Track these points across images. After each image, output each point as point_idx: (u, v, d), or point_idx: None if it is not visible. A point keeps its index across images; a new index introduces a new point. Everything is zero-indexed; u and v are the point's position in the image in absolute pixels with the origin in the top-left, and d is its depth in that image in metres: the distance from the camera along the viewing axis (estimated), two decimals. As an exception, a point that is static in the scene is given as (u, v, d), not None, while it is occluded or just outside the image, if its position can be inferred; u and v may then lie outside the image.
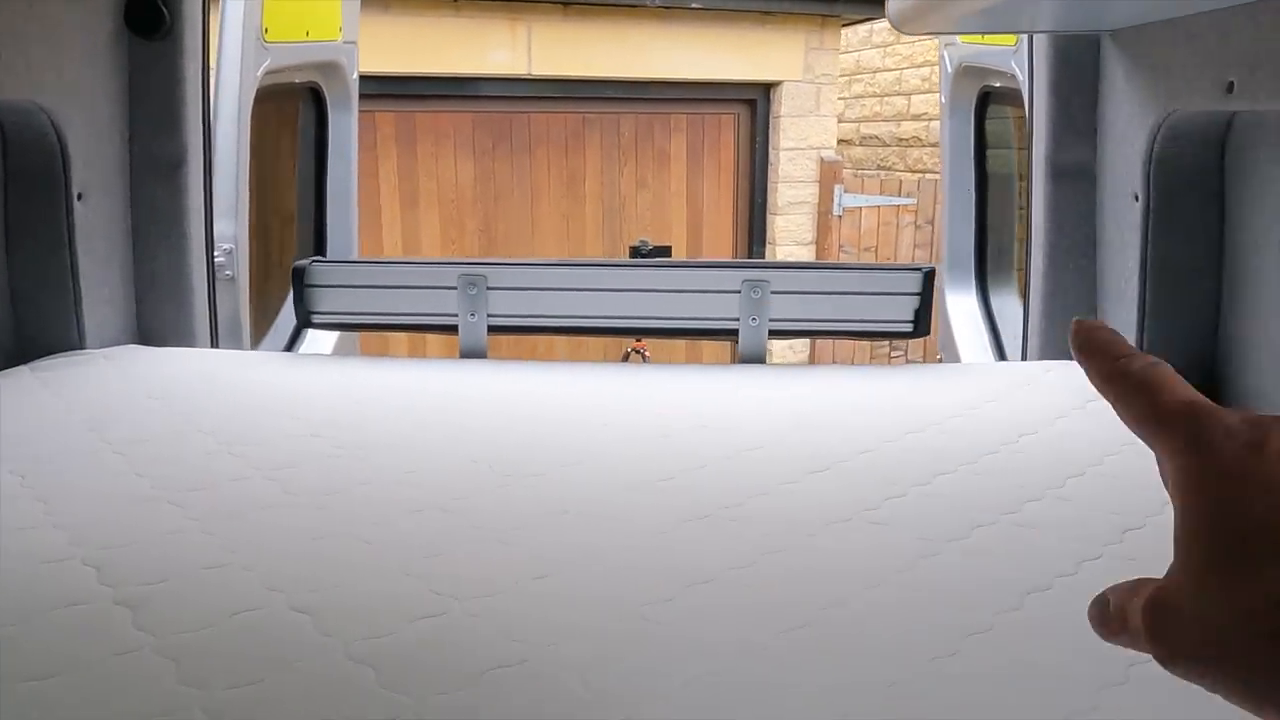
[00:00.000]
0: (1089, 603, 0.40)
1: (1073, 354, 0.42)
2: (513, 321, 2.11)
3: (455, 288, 2.06)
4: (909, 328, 2.07)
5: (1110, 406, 0.40)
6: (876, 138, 7.81)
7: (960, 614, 1.03)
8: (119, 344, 2.07)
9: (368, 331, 2.71)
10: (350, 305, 2.16)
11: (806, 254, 6.73)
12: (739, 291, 2.04)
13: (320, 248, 3.18)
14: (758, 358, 2.06)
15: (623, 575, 1.13)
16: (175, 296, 2.16)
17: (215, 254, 2.27)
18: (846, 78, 7.84)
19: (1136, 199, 1.84)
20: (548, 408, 1.77)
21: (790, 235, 6.71)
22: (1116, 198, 1.94)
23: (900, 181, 7.02)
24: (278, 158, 3.08)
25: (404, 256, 5.71)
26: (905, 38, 6.59)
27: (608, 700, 0.89)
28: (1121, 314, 1.94)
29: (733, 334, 2.08)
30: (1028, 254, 2.16)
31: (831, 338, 5.00)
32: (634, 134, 6.45)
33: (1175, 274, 1.84)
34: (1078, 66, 2.00)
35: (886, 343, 6.50)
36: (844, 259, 6.66)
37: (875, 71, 7.83)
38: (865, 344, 6.55)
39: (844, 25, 6.95)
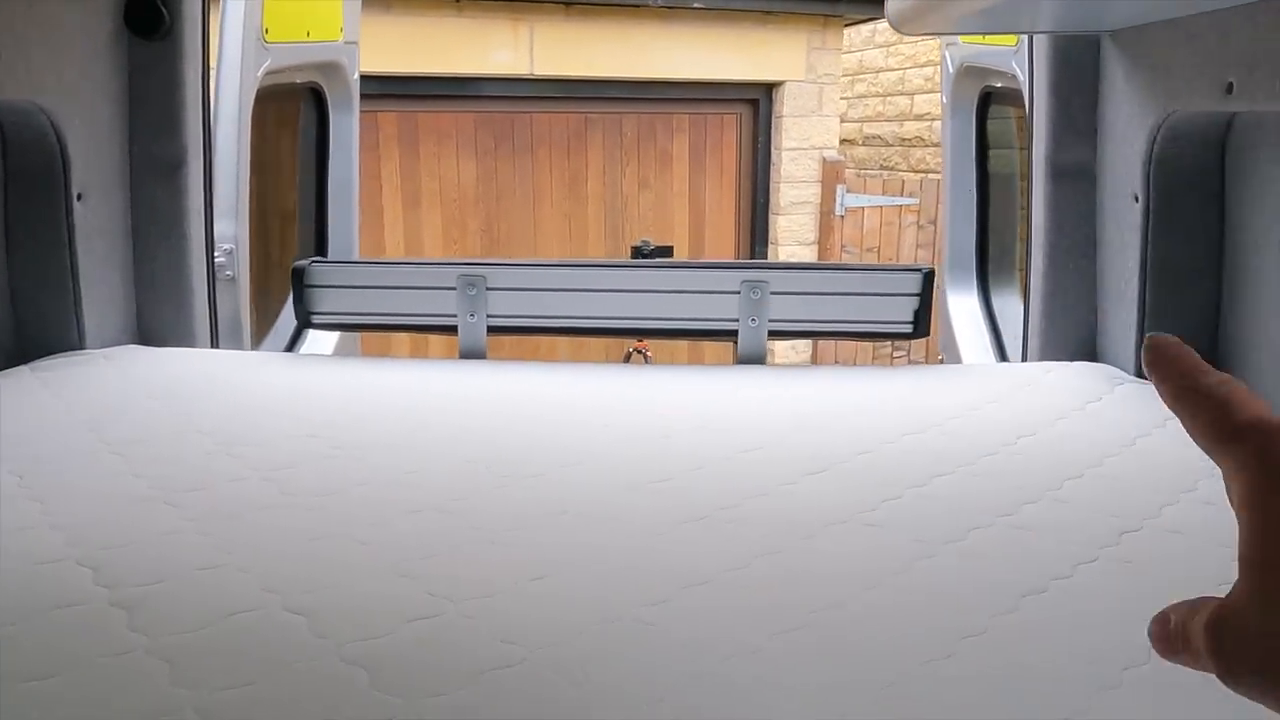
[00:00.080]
0: (1150, 621, 0.39)
1: (1144, 369, 0.41)
2: (512, 322, 2.11)
3: (455, 288, 2.06)
4: (908, 329, 2.07)
5: (1178, 422, 0.40)
6: (879, 137, 7.81)
7: (956, 616, 1.03)
8: (119, 344, 2.08)
9: (367, 332, 2.71)
10: (349, 306, 2.16)
11: (809, 254, 6.73)
12: (738, 292, 2.04)
13: (321, 248, 3.19)
14: (757, 358, 2.06)
15: (620, 576, 1.12)
16: (175, 297, 2.16)
17: (216, 254, 2.27)
18: (849, 77, 7.84)
19: (1136, 199, 1.84)
20: (547, 408, 1.77)
21: (792, 235, 6.71)
22: (1116, 198, 1.93)
23: (903, 181, 7.01)
24: (279, 158, 3.09)
25: (404, 257, 5.72)
26: (908, 38, 6.59)
27: (604, 701, 0.89)
28: (1121, 314, 1.93)
29: (732, 335, 2.08)
30: (1028, 254, 2.16)
31: (831, 339, 5.00)
32: (636, 134, 6.46)
33: (1175, 274, 1.84)
34: (1078, 66, 1.99)
35: (888, 343, 6.50)
36: (846, 259, 6.66)
37: (878, 71, 7.83)
38: (867, 345, 6.55)
39: (846, 25, 6.95)
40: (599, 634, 0.99)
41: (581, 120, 6.36)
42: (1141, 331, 1.87)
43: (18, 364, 1.90)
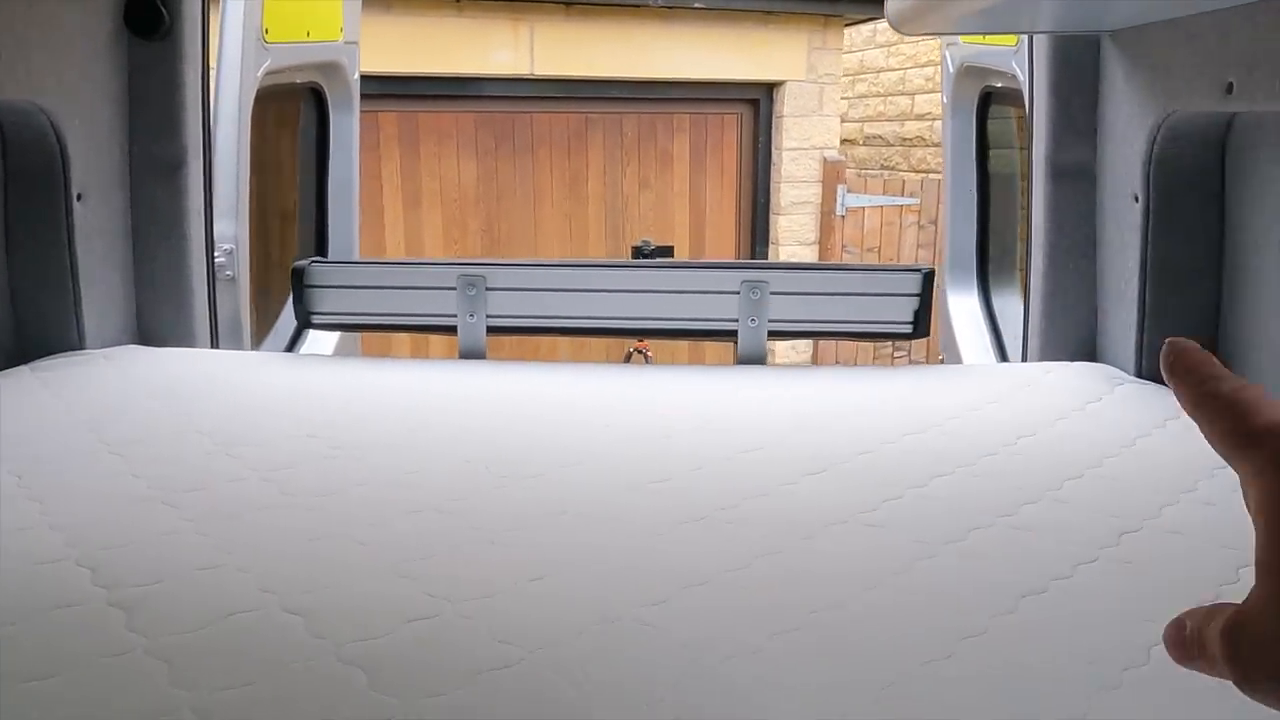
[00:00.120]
0: (1168, 625, 0.39)
1: (1163, 374, 0.41)
2: (512, 322, 2.11)
3: (455, 288, 2.06)
4: (908, 329, 2.07)
5: (1195, 427, 0.39)
6: (880, 137, 7.81)
7: (955, 617, 1.03)
8: (119, 344, 2.08)
9: (367, 332, 2.71)
10: (349, 306, 2.16)
11: (809, 254, 6.73)
12: (738, 292, 2.04)
13: (322, 248, 3.19)
14: (757, 359, 2.05)
15: (619, 576, 1.12)
16: (175, 297, 2.16)
17: (216, 254, 2.27)
18: (850, 77, 7.84)
19: (1136, 199, 1.84)
20: (547, 408, 1.77)
21: (793, 235, 6.71)
22: (1116, 198, 1.93)
23: (903, 181, 7.02)
24: (279, 158, 3.09)
25: (404, 257, 5.72)
26: (909, 38, 6.59)
27: (604, 701, 0.89)
28: (1121, 314, 1.93)
29: (732, 335, 2.08)
30: (1028, 254, 2.15)
31: (831, 339, 5.00)
32: (636, 134, 6.46)
33: (1175, 274, 1.84)
34: (1078, 66, 1.99)
35: (888, 343, 6.50)
36: (847, 259, 6.66)
37: (879, 71, 7.83)
38: (867, 345, 6.55)
39: (847, 25, 6.96)
40: (598, 634, 0.99)
41: (582, 120, 6.36)
42: (1141, 332, 1.87)
43: (18, 364, 1.90)
